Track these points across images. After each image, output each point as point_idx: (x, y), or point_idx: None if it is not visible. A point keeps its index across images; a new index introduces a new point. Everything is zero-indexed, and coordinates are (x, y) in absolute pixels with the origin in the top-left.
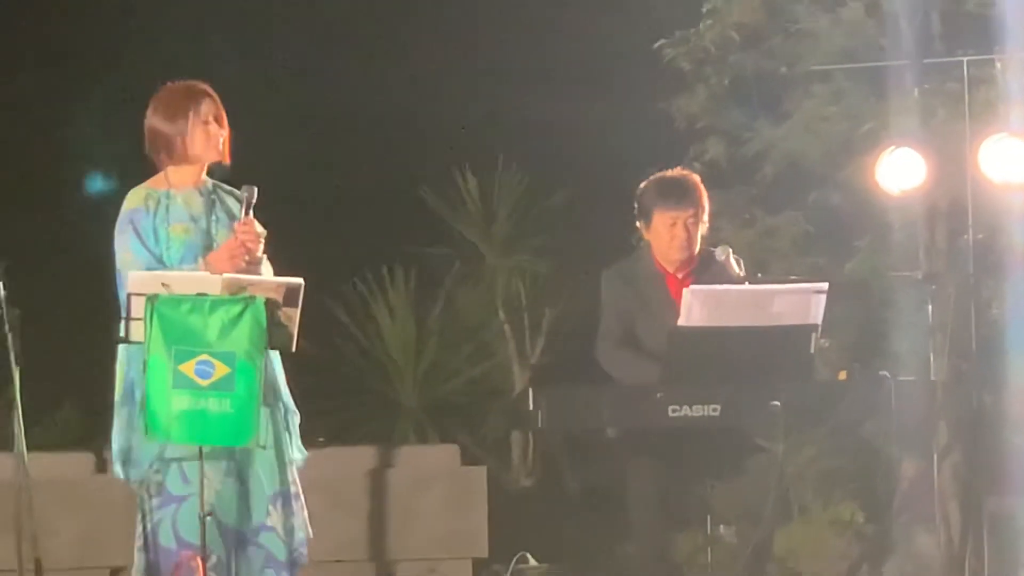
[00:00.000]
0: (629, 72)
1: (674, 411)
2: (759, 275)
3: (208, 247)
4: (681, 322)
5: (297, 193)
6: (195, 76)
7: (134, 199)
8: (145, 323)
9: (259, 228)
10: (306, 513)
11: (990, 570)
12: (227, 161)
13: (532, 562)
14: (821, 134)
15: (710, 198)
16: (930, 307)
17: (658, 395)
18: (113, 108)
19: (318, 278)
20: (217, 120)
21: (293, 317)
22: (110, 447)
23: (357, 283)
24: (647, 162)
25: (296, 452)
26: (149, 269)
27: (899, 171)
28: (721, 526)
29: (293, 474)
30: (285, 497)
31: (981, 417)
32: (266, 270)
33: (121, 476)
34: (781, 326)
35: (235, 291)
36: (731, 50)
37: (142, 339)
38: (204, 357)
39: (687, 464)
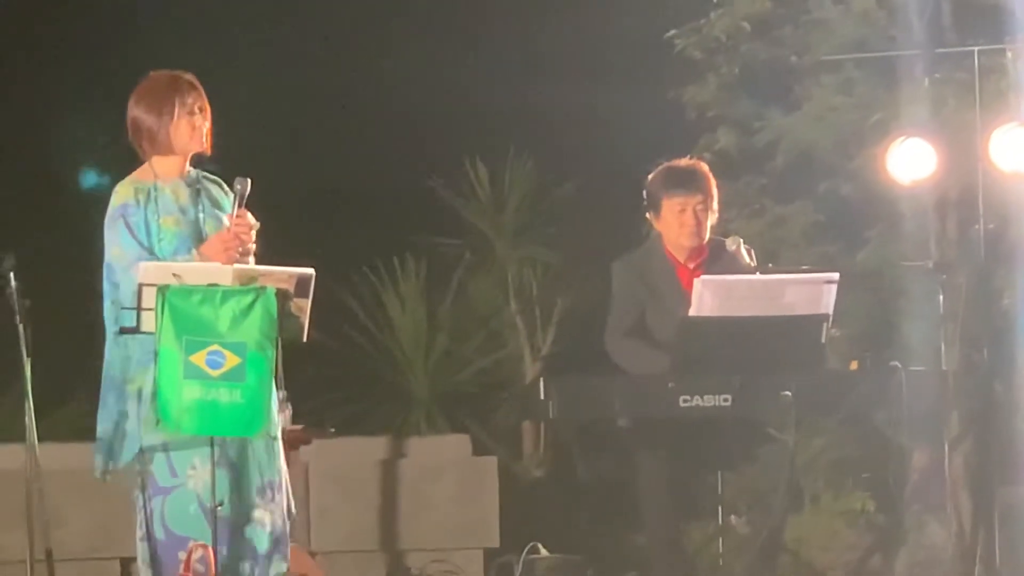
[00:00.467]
0: (640, 62)
1: (685, 401)
2: (770, 265)
3: (198, 238)
4: (692, 312)
5: (307, 184)
6: (205, 65)
7: (123, 193)
8: (156, 313)
9: (252, 220)
10: (291, 497)
11: (1001, 560)
12: (209, 152)
13: (543, 552)
14: (832, 124)
15: (721, 188)
16: (941, 297)
17: (669, 385)
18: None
19: (329, 268)
20: (201, 111)
21: (304, 307)
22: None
23: (368, 273)
24: (658, 152)
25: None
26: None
27: (910, 161)
28: (732, 516)
29: (281, 462)
30: (272, 487)
31: (992, 407)
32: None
33: (98, 468)
34: (792, 316)
35: (246, 281)
36: (742, 40)
37: (153, 329)
38: (215, 347)
39: (698, 454)
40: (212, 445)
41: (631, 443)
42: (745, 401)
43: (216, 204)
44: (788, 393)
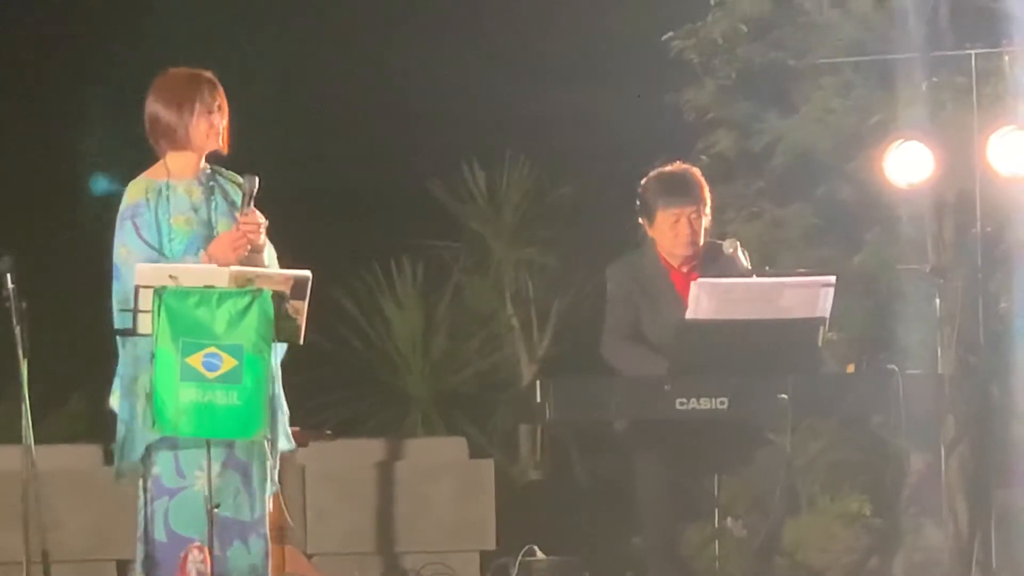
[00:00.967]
0: (637, 65)
1: (682, 404)
2: (767, 268)
3: (209, 236)
4: (689, 315)
5: (305, 185)
6: (204, 66)
7: (134, 192)
8: (152, 315)
9: (260, 218)
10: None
11: (998, 562)
12: (225, 150)
13: (540, 554)
14: (829, 127)
15: (719, 190)
16: (938, 300)
17: (666, 387)
18: (124, 103)
19: (326, 271)
20: (220, 109)
21: (301, 310)
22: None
23: (365, 276)
24: (655, 155)
25: (285, 442)
26: (149, 263)
27: (907, 164)
28: (729, 519)
29: (275, 473)
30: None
31: (989, 410)
32: (269, 252)
33: (115, 469)
34: (789, 319)
35: (243, 284)
36: (739, 42)
37: (149, 331)
38: (212, 350)
39: (695, 457)
40: (208, 447)
41: (628, 446)
42: (742, 404)
43: (229, 200)
44: (785, 396)
